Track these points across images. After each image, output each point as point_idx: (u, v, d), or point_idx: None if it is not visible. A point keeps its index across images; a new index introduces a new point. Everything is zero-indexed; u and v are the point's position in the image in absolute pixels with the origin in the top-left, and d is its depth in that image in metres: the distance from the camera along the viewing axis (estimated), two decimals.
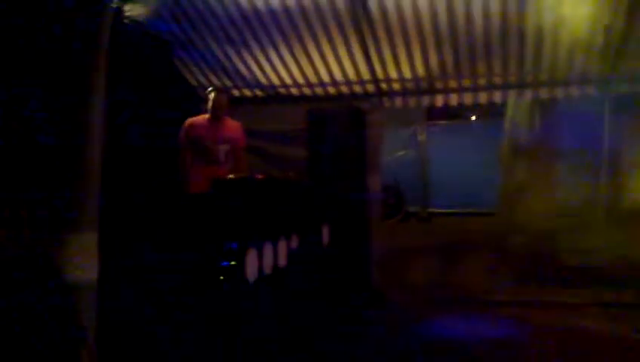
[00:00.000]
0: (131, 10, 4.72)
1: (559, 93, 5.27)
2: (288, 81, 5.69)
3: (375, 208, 5.50)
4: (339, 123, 5.19)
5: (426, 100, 5.59)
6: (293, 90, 5.80)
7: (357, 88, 5.64)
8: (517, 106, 6.26)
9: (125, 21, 4.69)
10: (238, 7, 4.83)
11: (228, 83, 5.77)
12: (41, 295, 2.12)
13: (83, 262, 2.18)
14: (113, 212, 2.87)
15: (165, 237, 3.51)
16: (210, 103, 4.78)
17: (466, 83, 5.36)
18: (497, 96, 5.38)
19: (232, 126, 4.89)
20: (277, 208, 3.83)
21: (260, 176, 4.21)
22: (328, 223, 4.52)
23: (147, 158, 4.69)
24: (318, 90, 5.73)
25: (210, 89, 4.92)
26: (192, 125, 4.83)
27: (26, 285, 2.11)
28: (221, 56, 5.50)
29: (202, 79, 5.85)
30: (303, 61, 5.38)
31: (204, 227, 3.39)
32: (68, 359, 2.15)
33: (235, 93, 5.89)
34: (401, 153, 11.24)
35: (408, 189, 11.15)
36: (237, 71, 5.65)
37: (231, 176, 4.36)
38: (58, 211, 2.14)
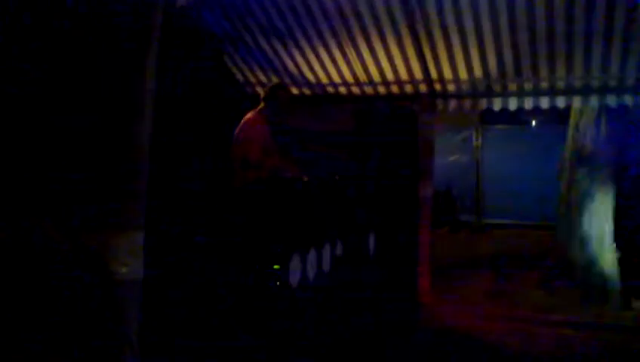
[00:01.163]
0: (183, 3, 4.66)
1: (628, 100, 4.82)
2: (337, 79, 5.50)
3: (425, 215, 5.24)
4: (388, 124, 4.96)
5: (482, 103, 5.23)
6: (342, 89, 5.61)
7: (408, 88, 5.38)
8: (581, 112, 5.85)
9: (176, 13, 4.63)
10: (289, 2, 4.69)
11: (275, 80, 5.64)
12: (86, 289, 2.21)
13: (128, 259, 2.25)
14: (159, 210, 2.87)
15: (210, 235, 3.45)
16: (280, 99, 4.34)
17: (527, 86, 5.03)
18: (560, 101, 4.99)
19: None
20: (322, 212, 3.69)
21: (305, 178, 4.05)
22: (375, 230, 4.32)
23: (193, 153, 4.63)
24: (368, 90, 5.52)
25: (277, 84, 4.55)
26: (262, 124, 4.33)
27: (71, 278, 2.21)
28: (270, 53, 5.38)
29: (250, 75, 5.75)
30: (353, 59, 5.18)
31: (249, 228, 3.33)
32: (111, 353, 2.22)
33: None
34: (453, 158, 10.87)
35: (460, 197, 10.76)
36: (285, 68, 5.51)
37: (280, 176, 4.22)
38: (107, 209, 2.23)
